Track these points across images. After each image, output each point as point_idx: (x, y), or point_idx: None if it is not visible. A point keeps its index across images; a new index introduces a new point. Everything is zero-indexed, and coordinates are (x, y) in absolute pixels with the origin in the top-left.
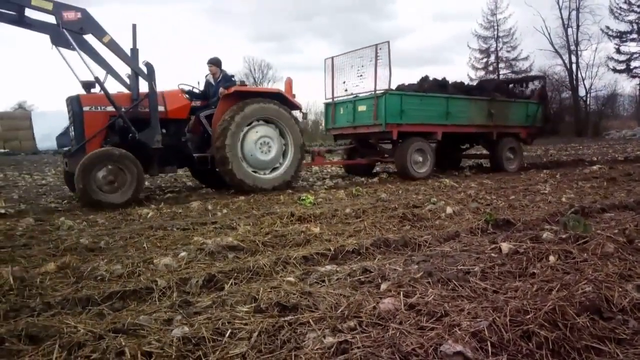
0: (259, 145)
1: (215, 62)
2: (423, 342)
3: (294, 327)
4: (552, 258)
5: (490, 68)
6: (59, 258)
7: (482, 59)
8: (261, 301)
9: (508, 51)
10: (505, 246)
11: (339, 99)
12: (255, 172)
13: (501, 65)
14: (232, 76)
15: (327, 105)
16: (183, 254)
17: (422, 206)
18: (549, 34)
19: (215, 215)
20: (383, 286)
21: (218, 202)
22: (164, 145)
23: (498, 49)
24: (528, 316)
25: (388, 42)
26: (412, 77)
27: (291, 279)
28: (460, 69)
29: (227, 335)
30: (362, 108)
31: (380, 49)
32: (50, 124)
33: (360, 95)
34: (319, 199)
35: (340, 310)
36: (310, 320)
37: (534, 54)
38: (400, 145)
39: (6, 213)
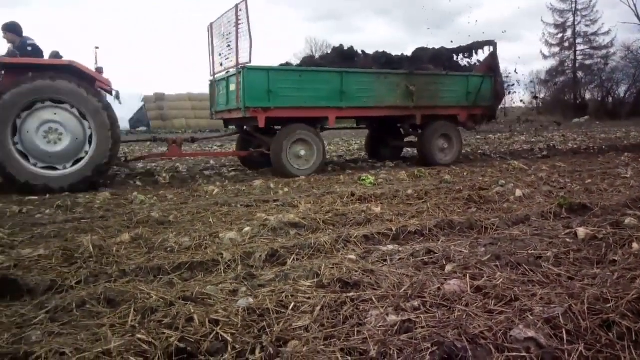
0: (43, 132)
1: (9, 29)
2: (492, 326)
3: (356, 303)
4: (635, 245)
5: (566, 44)
6: (132, 230)
7: (557, 34)
8: (323, 277)
9: (587, 25)
10: (581, 231)
11: (218, 76)
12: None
13: (579, 40)
14: (30, 45)
15: (210, 83)
16: (247, 229)
17: (489, 189)
18: (635, 5)
19: (277, 194)
20: (448, 268)
21: (279, 181)
22: None
23: (575, 23)
24: (608, 305)
25: (245, 0)
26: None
27: (352, 256)
28: (532, 47)
29: (290, 308)
30: (232, 87)
31: (240, 10)
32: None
33: (231, 71)
34: (379, 179)
35: (403, 289)
36: (373, 298)
37: (616, 27)
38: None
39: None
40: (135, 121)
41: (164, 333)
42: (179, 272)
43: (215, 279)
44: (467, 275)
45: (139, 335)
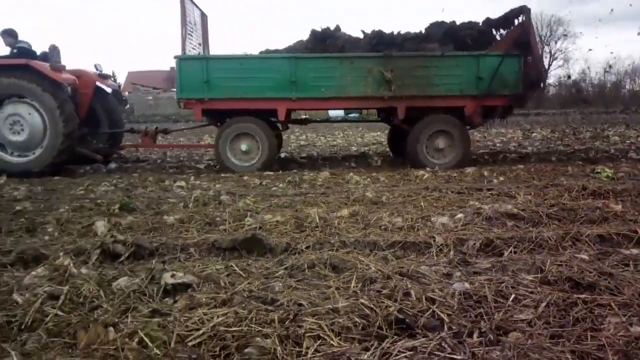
0: (9, 124)
1: (6, 34)
2: None
3: (590, 306)
4: None
5: None
6: (350, 206)
7: None
8: (549, 273)
9: None
10: None
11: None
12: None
13: None
14: (17, 48)
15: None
16: (459, 215)
17: None
18: None
19: (491, 182)
20: None
21: (494, 169)
22: None
23: None
24: None
25: None
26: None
27: (584, 256)
28: None
29: (510, 299)
30: None
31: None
32: None
33: None
34: (619, 172)
35: None
36: (612, 304)
37: None
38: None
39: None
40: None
41: (383, 302)
42: (393, 250)
43: (427, 261)
44: None
45: (361, 300)
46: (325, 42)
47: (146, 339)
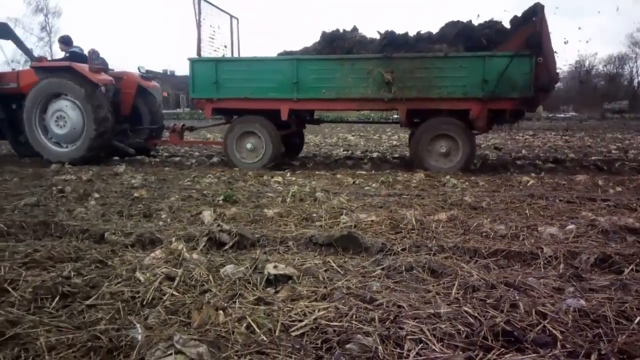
0: (54, 118)
1: (60, 40)
2: None
3: None
4: None
5: None
6: (447, 210)
7: None
8: None
9: None
10: None
11: None
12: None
13: None
14: (69, 52)
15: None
16: (570, 226)
17: None
18: None
19: (606, 193)
20: None
21: (610, 178)
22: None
23: None
24: None
25: None
26: None
27: None
28: None
29: (635, 321)
30: None
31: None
32: None
33: None
34: None
35: None
36: None
37: None
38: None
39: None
40: None
41: (488, 312)
42: (495, 258)
43: (535, 272)
44: None
45: (465, 308)
46: (333, 43)
47: (253, 325)
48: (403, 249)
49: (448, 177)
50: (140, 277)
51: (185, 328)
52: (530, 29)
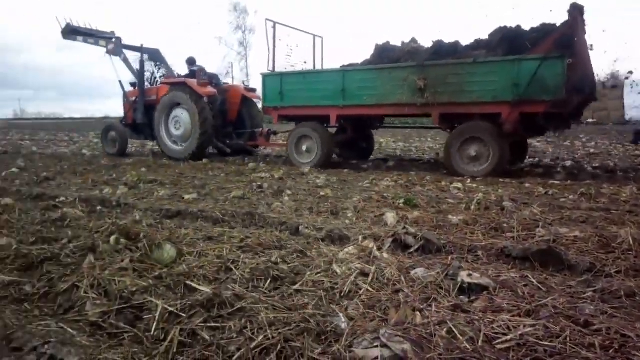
0: (174, 122)
1: (187, 62)
2: None
3: None
4: None
5: None
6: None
7: None
8: None
9: None
10: None
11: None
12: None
13: None
14: (189, 70)
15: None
16: None
17: None
18: None
19: None
20: None
21: None
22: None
23: None
24: None
25: (273, 23)
26: None
27: None
28: None
29: None
30: None
31: (272, 27)
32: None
33: None
34: None
35: None
36: None
37: None
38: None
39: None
40: None
41: None
42: None
43: None
44: None
45: None
46: (383, 55)
47: (455, 331)
48: (618, 271)
49: None
50: (337, 269)
51: (383, 323)
52: (564, 31)
